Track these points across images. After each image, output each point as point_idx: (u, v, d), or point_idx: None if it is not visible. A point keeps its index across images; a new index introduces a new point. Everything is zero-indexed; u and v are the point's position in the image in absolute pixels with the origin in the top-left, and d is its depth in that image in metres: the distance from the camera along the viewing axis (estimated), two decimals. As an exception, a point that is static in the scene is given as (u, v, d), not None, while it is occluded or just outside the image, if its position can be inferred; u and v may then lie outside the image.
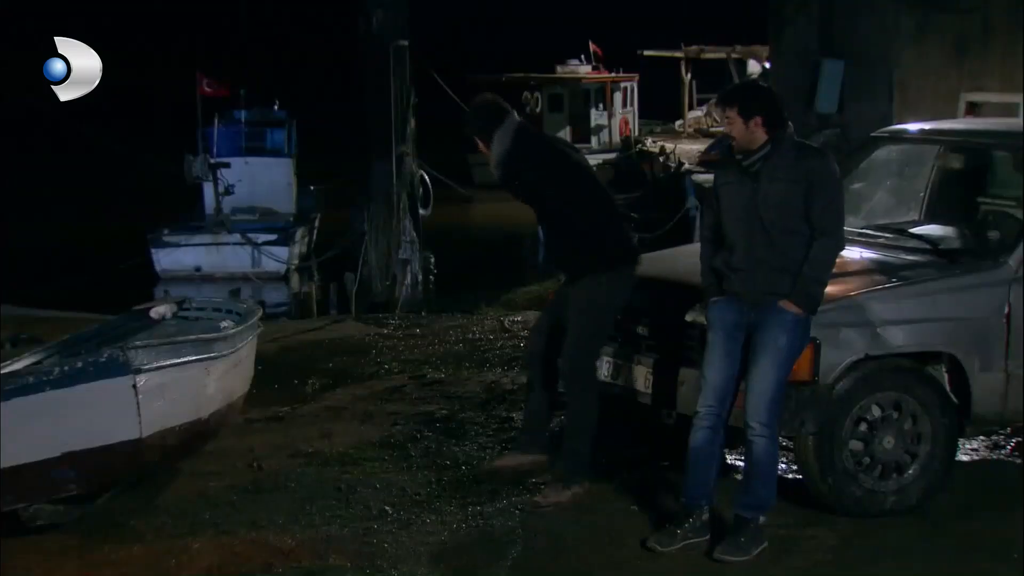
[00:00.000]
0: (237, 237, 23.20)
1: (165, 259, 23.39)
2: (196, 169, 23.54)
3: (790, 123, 6.20)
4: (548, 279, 17.67)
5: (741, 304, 5.98)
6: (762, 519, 5.98)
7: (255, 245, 23.12)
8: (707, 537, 6.02)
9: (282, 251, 23.42)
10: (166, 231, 23.86)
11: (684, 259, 7.38)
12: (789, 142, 6.06)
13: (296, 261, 23.86)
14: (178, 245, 23.41)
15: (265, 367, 8.83)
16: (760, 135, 6.00)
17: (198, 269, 23.35)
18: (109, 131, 22.83)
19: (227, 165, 23.76)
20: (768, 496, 5.99)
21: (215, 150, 24.66)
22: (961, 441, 6.93)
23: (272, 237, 23.46)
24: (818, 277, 5.92)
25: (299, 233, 24.59)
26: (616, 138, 36.94)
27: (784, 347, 5.90)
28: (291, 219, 25.10)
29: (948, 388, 6.42)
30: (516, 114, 6.74)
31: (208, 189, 23.88)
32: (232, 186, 23.75)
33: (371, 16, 14.99)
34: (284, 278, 23.46)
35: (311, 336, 11.58)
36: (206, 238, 23.40)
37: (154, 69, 48.99)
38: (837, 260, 6.04)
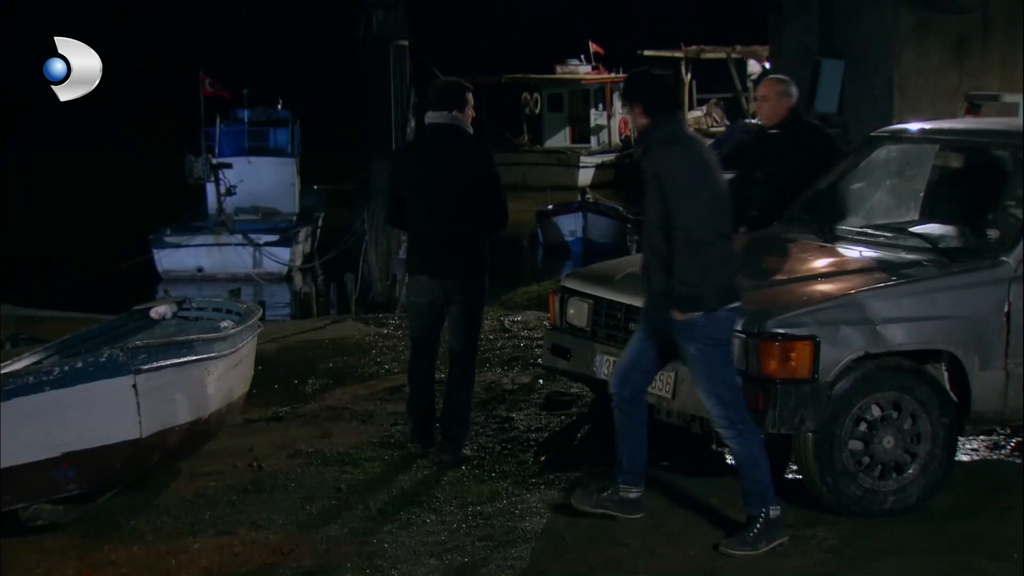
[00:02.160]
0: (239, 238, 23.21)
1: (167, 259, 23.41)
2: (198, 169, 23.56)
3: (676, 112, 6.02)
4: (547, 279, 17.70)
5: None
6: (773, 512, 5.94)
7: (256, 246, 23.12)
8: (629, 516, 6.17)
9: (283, 252, 23.43)
10: (168, 231, 23.88)
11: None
12: (658, 133, 5.87)
13: (299, 261, 23.88)
14: (180, 245, 23.43)
15: (265, 367, 8.84)
16: (643, 124, 5.92)
17: (200, 269, 23.37)
18: (113, 126, 22.82)
19: (229, 166, 23.79)
20: (758, 489, 5.97)
21: (218, 150, 24.67)
22: (961, 441, 6.93)
23: (274, 238, 23.47)
24: (682, 278, 5.72)
25: (302, 233, 24.61)
26: (616, 138, 36.94)
27: (697, 354, 5.85)
28: (294, 219, 25.11)
29: (948, 387, 6.42)
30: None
31: (210, 189, 23.90)
32: (234, 186, 23.77)
33: (371, 16, 14.98)
34: (286, 278, 23.48)
35: (311, 336, 11.58)
36: (208, 238, 23.42)
37: (156, 69, 48.98)
38: (836, 260, 6.02)
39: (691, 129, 6.15)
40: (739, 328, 6.14)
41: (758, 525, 5.92)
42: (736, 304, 5.90)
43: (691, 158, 5.81)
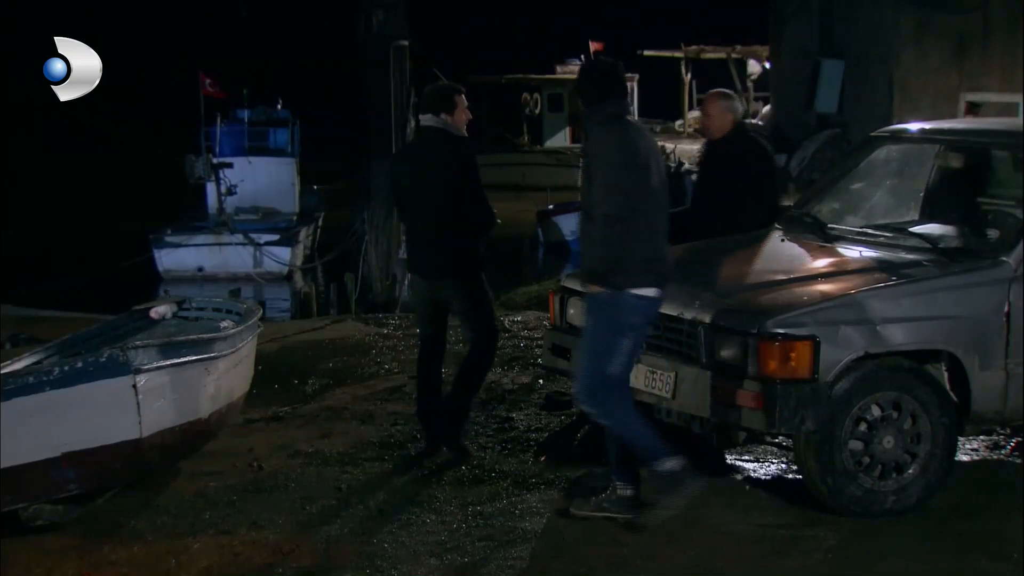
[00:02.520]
0: (239, 237, 23.21)
1: (167, 259, 23.41)
2: (198, 169, 23.57)
3: (614, 99, 6.08)
4: (547, 279, 17.69)
5: None
6: (671, 464, 6.04)
7: (257, 245, 23.13)
8: (628, 515, 6.16)
9: (284, 252, 23.43)
10: (168, 231, 23.88)
11: (683, 258, 7.38)
12: (594, 117, 6.04)
13: (299, 261, 23.88)
14: (180, 245, 23.43)
15: (265, 367, 8.83)
16: (585, 113, 6.14)
17: (200, 269, 23.38)
18: (112, 126, 22.84)
19: (229, 165, 23.80)
20: (648, 453, 6.08)
21: (218, 150, 24.68)
22: (961, 441, 6.93)
23: (274, 237, 23.47)
24: (595, 252, 5.93)
25: (302, 233, 24.61)
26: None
27: (591, 328, 6.03)
28: (294, 219, 25.12)
29: (948, 387, 6.42)
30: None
31: (210, 189, 23.90)
32: (235, 186, 23.78)
33: (371, 16, 14.99)
34: (286, 278, 23.48)
35: (311, 336, 11.58)
36: (208, 238, 23.43)
37: (156, 69, 48.98)
38: (836, 260, 6.03)
39: (632, 117, 6.31)
40: (739, 328, 6.15)
41: (667, 481, 6.03)
42: (651, 293, 5.98)
43: (619, 139, 5.94)
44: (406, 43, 15.18)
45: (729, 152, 7.85)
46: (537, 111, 38.80)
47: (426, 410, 7.39)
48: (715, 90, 8.22)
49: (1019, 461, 7.31)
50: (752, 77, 34.95)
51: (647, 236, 5.92)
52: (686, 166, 26.39)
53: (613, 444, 6.27)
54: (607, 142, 5.94)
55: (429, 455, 7.29)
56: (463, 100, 7.26)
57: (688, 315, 6.42)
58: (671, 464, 6.06)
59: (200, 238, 23.48)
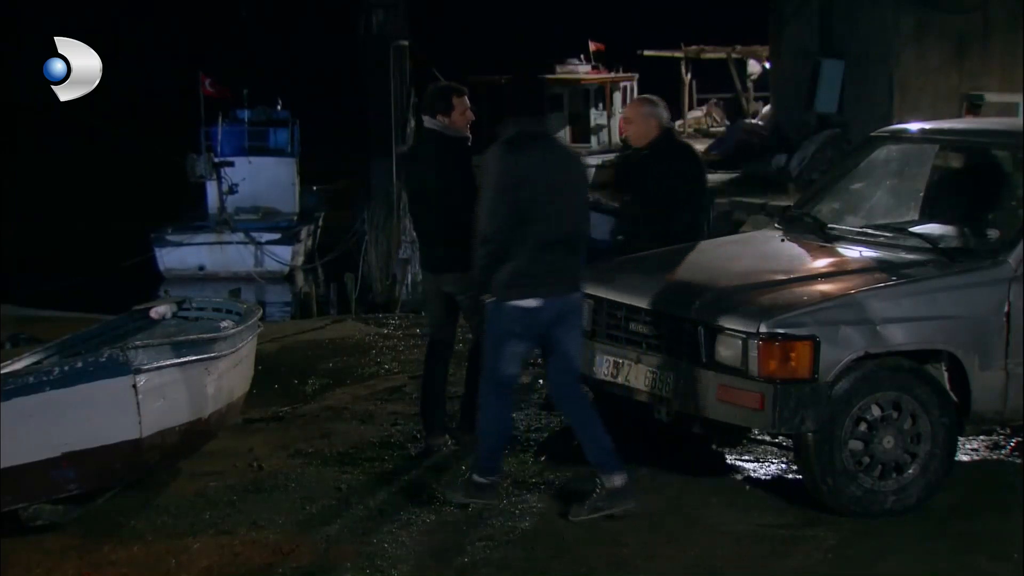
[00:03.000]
0: (240, 236, 23.21)
1: (168, 258, 23.42)
2: (200, 168, 23.57)
3: (519, 118, 6.29)
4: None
5: None
6: (483, 480, 6.40)
7: (258, 244, 23.14)
8: (617, 509, 6.22)
9: (285, 251, 23.44)
10: (169, 230, 23.88)
11: (683, 258, 7.38)
12: (501, 133, 6.31)
13: (300, 261, 23.89)
14: (181, 244, 23.43)
15: (265, 367, 8.83)
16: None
17: (202, 268, 23.38)
18: (111, 128, 22.86)
19: (231, 164, 23.81)
20: (480, 451, 6.49)
21: (219, 149, 24.68)
22: (961, 441, 6.93)
23: (275, 236, 23.49)
24: (475, 261, 6.36)
25: (303, 232, 24.62)
26: (616, 138, 36.91)
27: (484, 332, 6.47)
28: (294, 219, 25.13)
29: (948, 387, 6.42)
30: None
31: (211, 188, 23.92)
32: (236, 185, 23.78)
33: (371, 16, 15.00)
34: (287, 278, 23.49)
35: (311, 336, 11.58)
36: (209, 237, 23.44)
37: (156, 69, 48.99)
38: (836, 260, 6.03)
39: (556, 139, 6.60)
40: (739, 328, 6.16)
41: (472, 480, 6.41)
42: (530, 303, 6.18)
43: (507, 164, 6.15)
44: (406, 43, 15.20)
45: (655, 160, 7.65)
46: (537, 111, 38.66)
47: (430, 404, 7.44)
48: (638, 96, 8.00)
49: (1019, 461, 7.31)
50: (752, 77, 34.90)
51: (527, 254, 6.15)
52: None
53: (586, 442, 6.31)
54: (496, 163, 6.18)
55: (429, 455, 7.31)
56: (463, 101, 7.26)
57: (688, 315, 6.42)
58: (487, 478, 6.41)
59: (201, 237, 23.49)
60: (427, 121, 7.30)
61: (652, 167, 7.67)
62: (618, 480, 6.24)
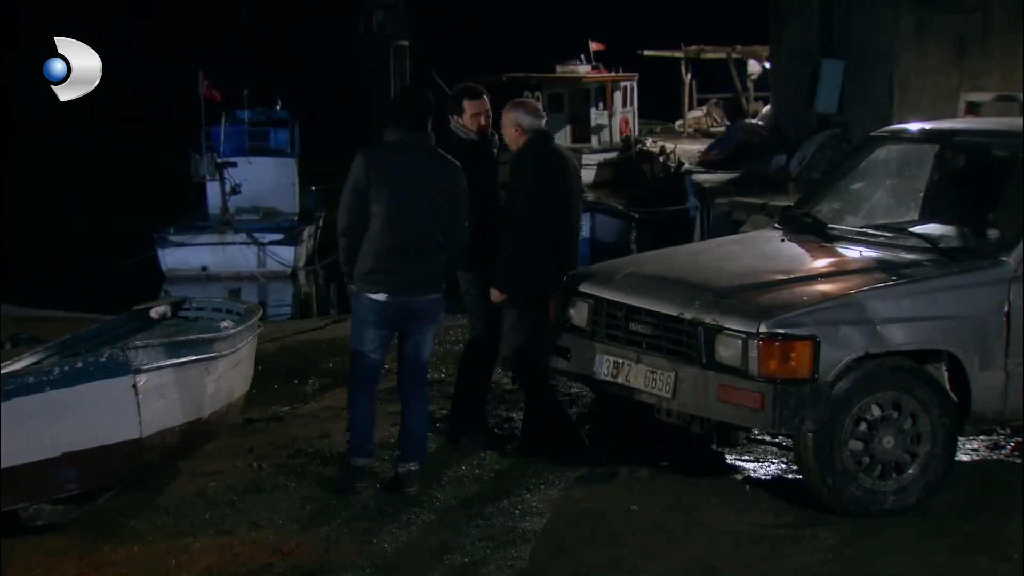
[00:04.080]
0: (243, 237, 23.22)
1: (171, 258, 23.41)
2: (203, 168, 23.57)
3: (395, 129, 6.78)
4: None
5: None
6: (355, 461, 6.83)
7: (261, 245, 23.15)
8: (409, 489, 6.69)
9: (287, 251, 23.45)
10: (172, 230, 23.88)
11: (683, 257, 7.38)
12: (382, 137, 6.87)
13: (302, 261, 23.89)
14: (184, 244, 23.43)
15: (265, 367, 8.83)
16: None
17: (204, 268, 23.38)
18: (111, 128, 22.89)
19: (234, 164, 23.81)
20: (350, 439, 6.99)
21: (221, 149, 24.69)
22: (961, 441, 6.93)
23: (278, 237, 23.51)
24: None
25: (306, 233, 24.64)
26: (616, 138, 36.92)
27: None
28: (295, 219, 25.13)
29: (948, 387, 6.42)
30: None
31: (212, 188, 23.92)
32: (239, 185, 23.79)
33: (371, 16, 15.01)
34: (290, 278, 23.49)
35: (311, 336, 11.58)
36: (212, 237, 23.44)
37: (156, 69, 48.99)
38: (836, 260, 6.02)
39: (435, 151, 6.85)
40: (739, 328, 6.16)
41: (345, 475, 6.83)
42: (380, 297, 6.69)
43: (358, 164, 6.67)
44: (406, 43, 15.22)
45: (519, 165, 7.36)
46: (537, 111, 38.65)
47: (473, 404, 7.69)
48: (513, 100, 7.73)
49: (1019, 461, 7.31)
50: (752, 77, 34.89)
51: (374, 251, 6.65)
52: (686, 166, 26.42)
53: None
54: (355, 165, 6.70)
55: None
56: (474, 104, 7.34)
57: (688, 315, 6.42)
58: (357, 462, 6.80)
59: (204, 237, 23.49)
60: (450, 120, 7.43)
61: (516, 173, 7.36)
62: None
